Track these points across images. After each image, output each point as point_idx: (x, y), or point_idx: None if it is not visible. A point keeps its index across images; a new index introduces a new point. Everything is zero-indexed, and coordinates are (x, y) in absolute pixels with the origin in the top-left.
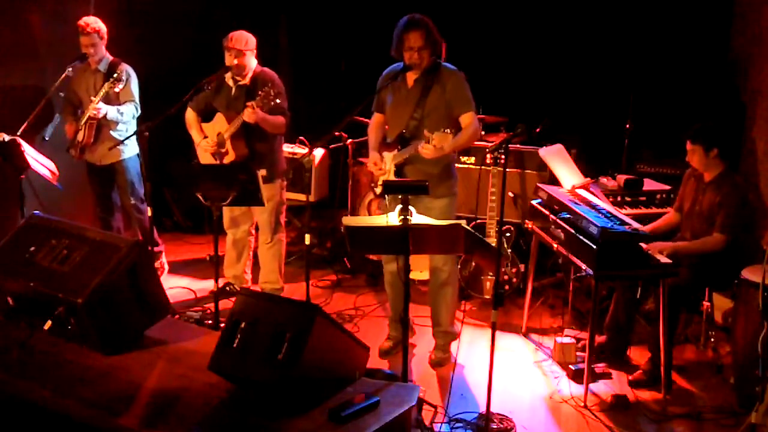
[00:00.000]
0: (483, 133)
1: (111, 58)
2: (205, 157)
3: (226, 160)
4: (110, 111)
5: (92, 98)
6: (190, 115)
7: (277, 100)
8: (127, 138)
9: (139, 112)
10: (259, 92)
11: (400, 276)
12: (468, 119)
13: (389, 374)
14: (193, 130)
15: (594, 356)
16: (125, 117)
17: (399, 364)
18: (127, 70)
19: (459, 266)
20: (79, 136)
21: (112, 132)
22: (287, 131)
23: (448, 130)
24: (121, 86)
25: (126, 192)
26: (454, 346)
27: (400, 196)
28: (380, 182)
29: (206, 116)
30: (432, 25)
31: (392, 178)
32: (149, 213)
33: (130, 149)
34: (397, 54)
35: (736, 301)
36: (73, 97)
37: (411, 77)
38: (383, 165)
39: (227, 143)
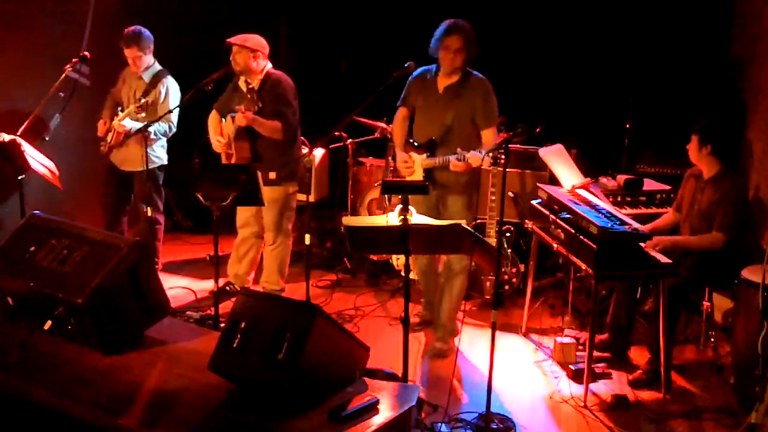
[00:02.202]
0: None
1: (158, 68)
2: (223, 157)
3: (231, 161)
4: (136, 127)
5: (120, 111)
6: (212, 115)
7: (259, 104)
8: (134, 133)
9: (174, 129)
10: (247, 95)
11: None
12: (489, 135)
13: (389, 374)
14: (211, 130)
15: (596, 351)
16: (152, 135)
17: (399, 364)
18: (167, 84)
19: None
20: (109, 137)
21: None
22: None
23: (481, 152)
24: (144, 114)
25: (143, 201)
26: (456, 341)
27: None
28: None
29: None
30: (472, 32)
31: (421, 179)
32: (149, 213)
33: (157, 161)
34: (434, 52)
35: (736, 301)
36: (118, 96)
37: (442, 83)
38: (412, 164)
39: (232, 145)
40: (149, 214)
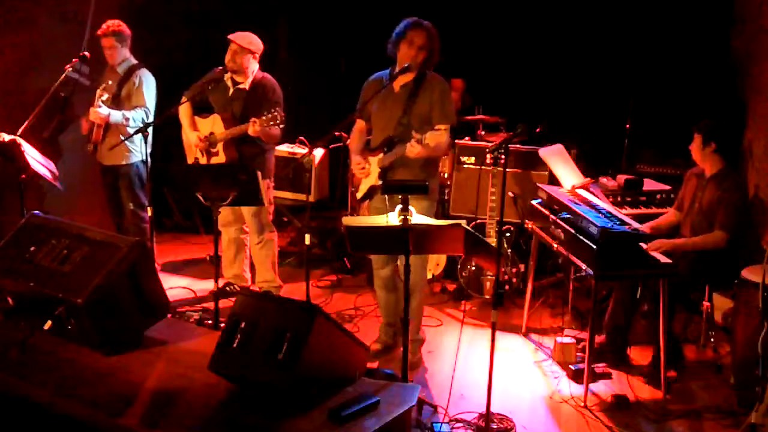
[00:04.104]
0: (483, 133)
1: (133, 62)
2: (191, 150)
3: (214, 160)
4: (113, 115)
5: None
6: (184, 106)
7: (281, 126)
8: (128, 138)
9: (151, 118)
10: (267, 113)
11: (399, 276)
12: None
13: (389, 374)
14: (184, 121)
15: (594, 356)
16: (131, 122)
17: (399, 364)
18: (141, 75)
19: (459, 266)
20: (93, 134)
21: (121, 136)
22: (285, 132)
23: (443, 127)
24: (112, 91)
25: (125, 196)
26: (424, 349)
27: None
28: (362, 186)
29: (197, 109)
30: (437, 34)
31: (376, 181)
32: (149, 213)
33: (136, 154)
34: (393, 48)
35: (736, 301)
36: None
37: (398, 83)
38: (367, 166)
39: (219, 146)
40: (149, 214)
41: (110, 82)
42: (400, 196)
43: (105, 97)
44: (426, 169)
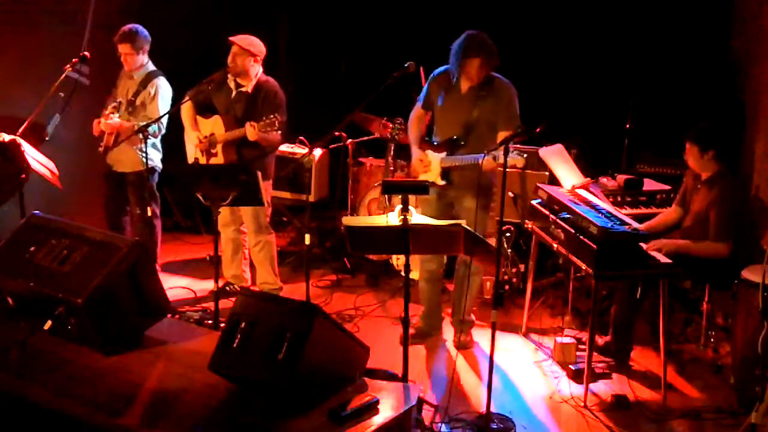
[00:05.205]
0: None
1: (151, 68)
2: (192, 150)
3: (213, 161)
4: (125, 126)
5: (116, 106)
6: (187, 106)
7: (279, 131)
8: (122, 142)
9: (163, 130)
10: (266, 118)
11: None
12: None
13: (389, 374)
14: (186, 121)
15: (599, 354)
16: (140, 135)
17: (399, 364)
18: (157, 84)
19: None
20: (104, 138)
21: (135, 145)
22: (286, 132)
23: (522, 154)
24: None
25: (133, 201)
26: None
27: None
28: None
29: (201, 109)
30: (491, 45)
31: (438, 179)
32: (148, 213)
33: (147, 162)
34: (453, 66)
35: (736, 301)
36: (115, 97)
37: (465, 84)
38: (429, 162)
39: (218, 147)
40: (148, 214)
41: (120, 101)
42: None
43: (115, 114)
44: (485, 173)
